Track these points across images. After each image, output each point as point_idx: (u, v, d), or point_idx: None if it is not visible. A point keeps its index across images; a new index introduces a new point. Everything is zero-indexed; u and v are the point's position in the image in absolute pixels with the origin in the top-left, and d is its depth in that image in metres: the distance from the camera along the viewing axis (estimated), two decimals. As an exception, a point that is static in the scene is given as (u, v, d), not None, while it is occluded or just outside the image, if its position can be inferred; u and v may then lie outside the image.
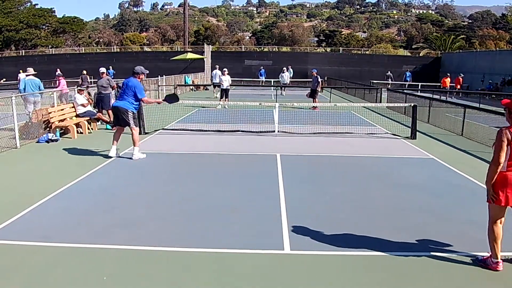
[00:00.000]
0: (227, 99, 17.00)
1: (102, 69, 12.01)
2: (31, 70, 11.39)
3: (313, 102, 16.76)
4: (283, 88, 24.59)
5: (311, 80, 18.26)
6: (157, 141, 9.61)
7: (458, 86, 26.48)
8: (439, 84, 30.13)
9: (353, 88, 25.98)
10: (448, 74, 27.35)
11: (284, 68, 25.48)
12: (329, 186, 6.38)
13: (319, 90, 17.12)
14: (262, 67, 32.89)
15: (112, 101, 12.35)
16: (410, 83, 30.86)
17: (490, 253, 3.71)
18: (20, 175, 6.82)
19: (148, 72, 8.33)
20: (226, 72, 17.53)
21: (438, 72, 37.73)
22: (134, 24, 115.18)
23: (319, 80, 17.03)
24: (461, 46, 51.41)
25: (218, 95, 24.60)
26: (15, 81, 27.07)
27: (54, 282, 3.48)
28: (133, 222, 4.76)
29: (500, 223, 3.66)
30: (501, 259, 3.67)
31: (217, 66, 26.09)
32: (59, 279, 3.53)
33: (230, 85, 17.94)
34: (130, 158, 7.82)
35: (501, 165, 3.53)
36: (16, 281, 3.49)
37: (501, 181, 3.54)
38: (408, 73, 32.69)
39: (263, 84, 29.82)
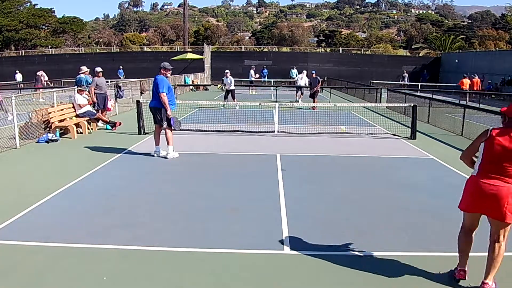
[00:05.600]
0: (234, 100, 16.99)
1: (100, 69, 11.95)
2: (84, 68, 12.65)
3: (313, 102, 16.81)
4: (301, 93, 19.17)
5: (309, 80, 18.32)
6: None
7: (475, 88, 23.04)
8: (438, 84, 30.16)
9: (352, 88, 25.98)
10: (465, 75, 23.79)
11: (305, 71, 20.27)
12: (329, 186, 6.38)
13: (319, 90, 17.18)
14: (264, 67, 32.83)
15: (109, 101, 12.39)
16: (427, 83, 30.93)
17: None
18: (20, 175, 6.82)
19: (173, 68, 8.30)
20: (229, 73, 17.63)
21: (438, 72, 37.77)
22: (134, 24, 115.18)
23: (319, 79, 17.16)
24: (461, 46, 51.44)
25: (254, 92, 25.44)
26: (14, 81, 27.14)
27: (54, 282, 3.48)
28: (133, 222, 4.76)
29: (468, 227, 3.49)
30: (467, 268, 3.52)
31: (253, 66, 26.97)
32: (59, 279, 3.53)
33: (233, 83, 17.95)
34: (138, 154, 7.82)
35: (466, 156, 3.49)
36: (16, 281, 3.49)
37: (469, 185, 3.42)
38: (426, 73, 34.95)
39: (266, 84, 29.77)
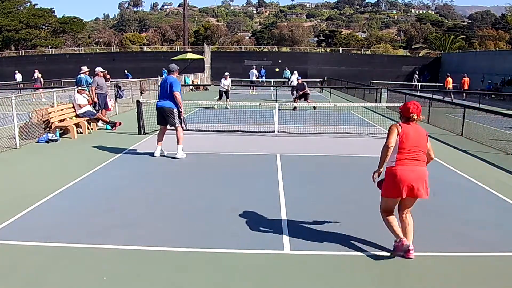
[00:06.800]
0: (228, 99, 17.26)
1: (100, 69, 11.94)
2: (85, 68, 12.38)
3: (311, 102, 16.74)
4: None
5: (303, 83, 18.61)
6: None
7: (465, 87, 24.43)
8: (438, 84, 30.17)
9: (352, 88, 25.98)
10: (448, 74, 25.20)
11: (296, 72, 21.64)
12: (329, 186, 6.38)
13: (308, 93, 17.24)
14: (262, 67, 32.76)
15: (109, 101, 12.40)
16: (427, 83, 31.06)
17: (395, 238, 3.99)
18: (20, 175, 6.82)
19: (179, 68, 8.43)
20: (228, 76, 17.91)
21: (438, 72, 37.77)
22: (134, 24, 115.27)
23: (305, 85, 17.29)
24: (461, 46, 51.47)
25: (254, 92, 26.41)
26: (14, 81, 27.15)
27: (53, 282, 3.48)
28: (133, 222, 4.76)
29: (391, 210, 4.06)
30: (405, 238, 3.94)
31: (254, 66, 27.46)
32: (59, 279, 3.53)
33: (230, 86, 18.17)
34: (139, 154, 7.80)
35: (390, 147, 3.89)
36: (16, 281, 3.49)
37: (390, 176, 3.92)
38: (426, 73, 35.43)
39: (264, 84, 29.80)
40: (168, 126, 8.08)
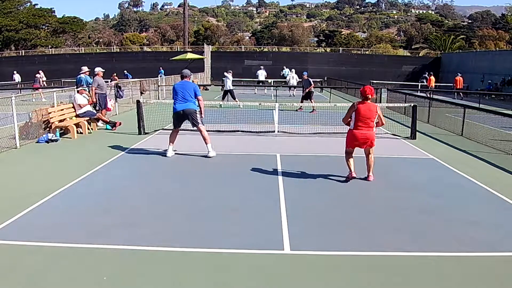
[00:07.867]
0: (236, 100, 17.30)
1: (100, 69, 11.92)
2: (85, 68, 12.45)
3: (311, 102, 16.58)
4: (293, 89, 23.05)
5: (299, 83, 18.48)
6: (157, 141, 9.60)
7: (458, 87, 25.02)
8: (438, 84, 30.20)
9: (353, 88, 25.95)
10: (431, 73, 26.88)
11: (293, 70, 23.61)
12: (329, 186, 6.38)
13: (313, 91, 16.84)
14: (261, 67, 32.70)
15: (109, 101, 12.38)
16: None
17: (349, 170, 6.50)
18: (20, 175, 6.82)
19: (178, 68, 8.65)
20: (231, 73, 18.12)
21: (438, 73, 37.75)
22: (134, 24, 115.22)
23: (311, 81, 16.59)
24: (461, 46, 51.44)
25: (266, 91, 26.91)
26: (13, 82, 27.13)
27: (53, 282, 3.48)
28: (133, 222, 4.76)
29: (350, 153, 6.54)
30: (354, 172, 6.45)
31: (262, 67, 27.54)
32: (58, 279, 3.53)
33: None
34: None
35: (348, 120, 6.43)
36: (16, 281, 3.49)
37: (350, 135, 6.42)
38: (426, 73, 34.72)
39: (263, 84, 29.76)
40: (191, 127, 8.35)
